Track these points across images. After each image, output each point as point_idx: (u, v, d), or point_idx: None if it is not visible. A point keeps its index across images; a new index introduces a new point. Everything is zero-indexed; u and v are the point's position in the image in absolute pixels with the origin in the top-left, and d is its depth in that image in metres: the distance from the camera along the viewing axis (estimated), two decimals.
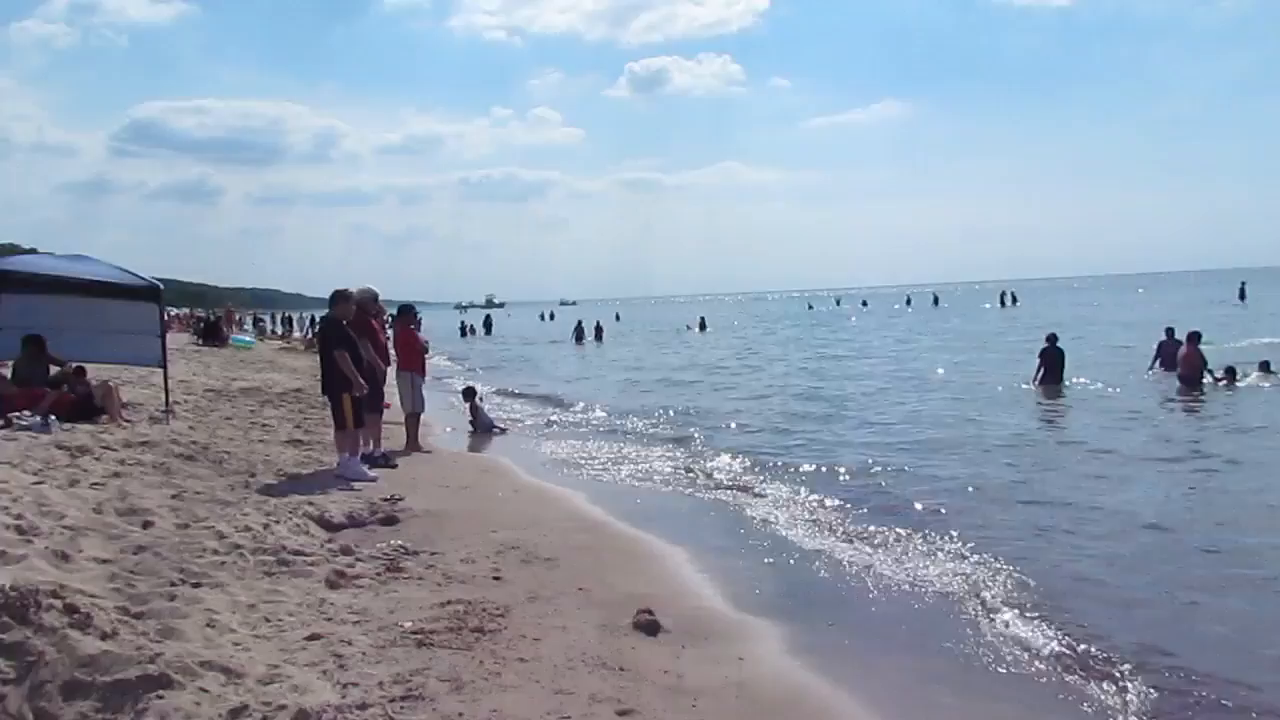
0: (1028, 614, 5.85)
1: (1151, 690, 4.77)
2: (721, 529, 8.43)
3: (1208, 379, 17.79)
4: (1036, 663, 5.16)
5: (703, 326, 56.20)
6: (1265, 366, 18.09)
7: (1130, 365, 21.44)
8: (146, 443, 9.95)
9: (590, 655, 4.93)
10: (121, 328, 12.78)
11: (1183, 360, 18.33)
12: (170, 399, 13.13)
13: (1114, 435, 12.92)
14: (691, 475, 10.86)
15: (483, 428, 14.74)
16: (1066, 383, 18.66)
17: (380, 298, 11.81)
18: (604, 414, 17.10)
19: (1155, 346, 20.29)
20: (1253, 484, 9.60)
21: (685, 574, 6.92)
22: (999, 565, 6.81)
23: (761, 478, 10.49)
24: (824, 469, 10.78)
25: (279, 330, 59.64)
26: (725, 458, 11.76)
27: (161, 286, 13.28)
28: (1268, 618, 5.86)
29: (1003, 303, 74.21)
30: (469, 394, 15.24)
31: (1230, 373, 17.86)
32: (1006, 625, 5.69)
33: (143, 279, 12.85)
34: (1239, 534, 7.66)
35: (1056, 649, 5.33)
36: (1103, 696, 4.72)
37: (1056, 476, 10.34)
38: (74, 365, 12.14)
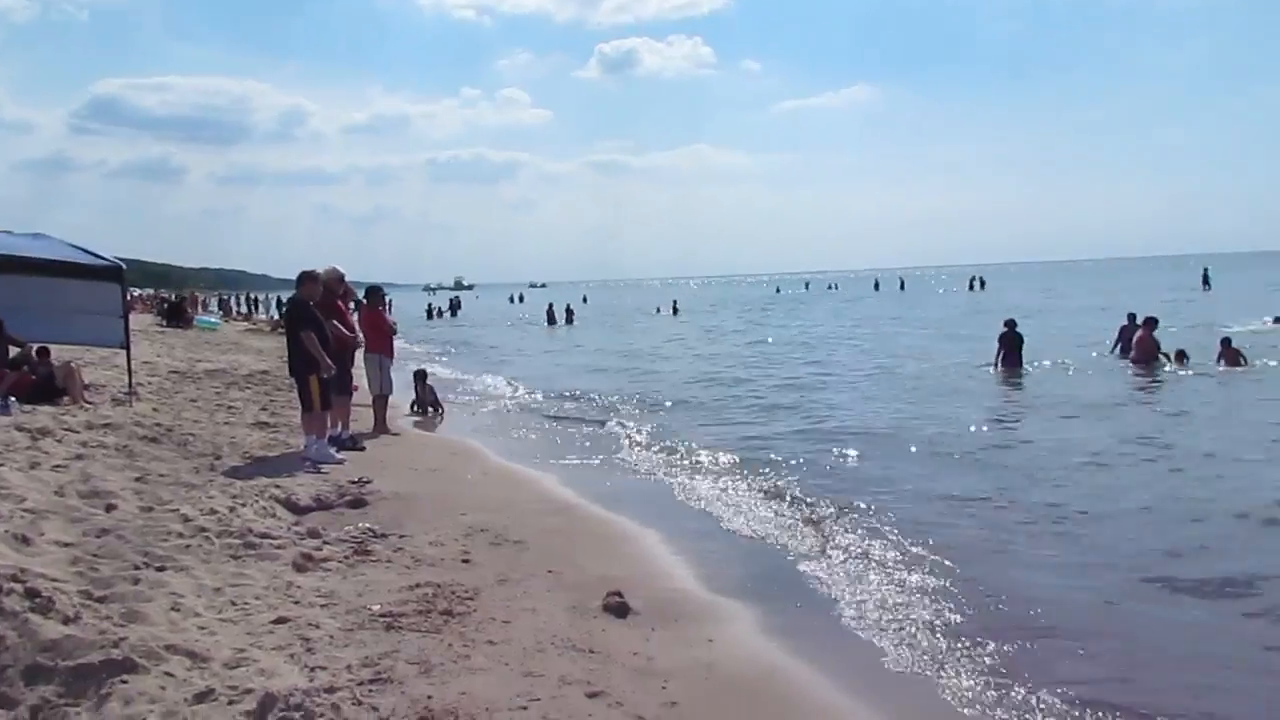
0: (984, 600, 5.91)
1: (1094, 682, 4.84)
2: (692, 512, 8.44)
3: (1162, 361, 18.29)
4: (996, 641, 5.22)
5: (675, 310, 56.33)
6: (1227, 343, 18.36)
7: (1090, 349, 21.70)
8: (109, 425, 9.83)
9: (560, 638, 4.94)
10: (83, 308, 12.59)
11: (1137, 344, 19.00)
12: (133, 380, 12.97)
13: (1066, 422, 12.93)
14: (660, 458, 10.88)
15: (426, 405, 14.76)
16: (1026, 367, 18.94)
17: (346, 278, 11.69)
18: (571, 396, 17.09)
19: (1117, 330, 20.75)
20: (1204, 472, 9.58)
21: (656, 556, 6.94)
22: (953, 549, 6.86)
23: (728, 462, 10.48)
24: (787, 454, 10.77)
25: (244, 311, 59.11)
26: (694, 442, 11.74)
27: (124, 266, 13.10)
28: (1214, 620, 5.78)
29: (971, 287, 74.90)
30: (420, 376, 15.19)
31: (1181, 355, 18.26)
32: (965, 609, 5.73)
33: (105, 259, 12.66)
34: (1197, 531, 7.49)
35: (1008, 627, 5.42)
36: (1056, 676, 4.78)
37: (1008, 462, 10.35)
38: (35, 346, 11.95)
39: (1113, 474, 9.67)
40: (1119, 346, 20.20)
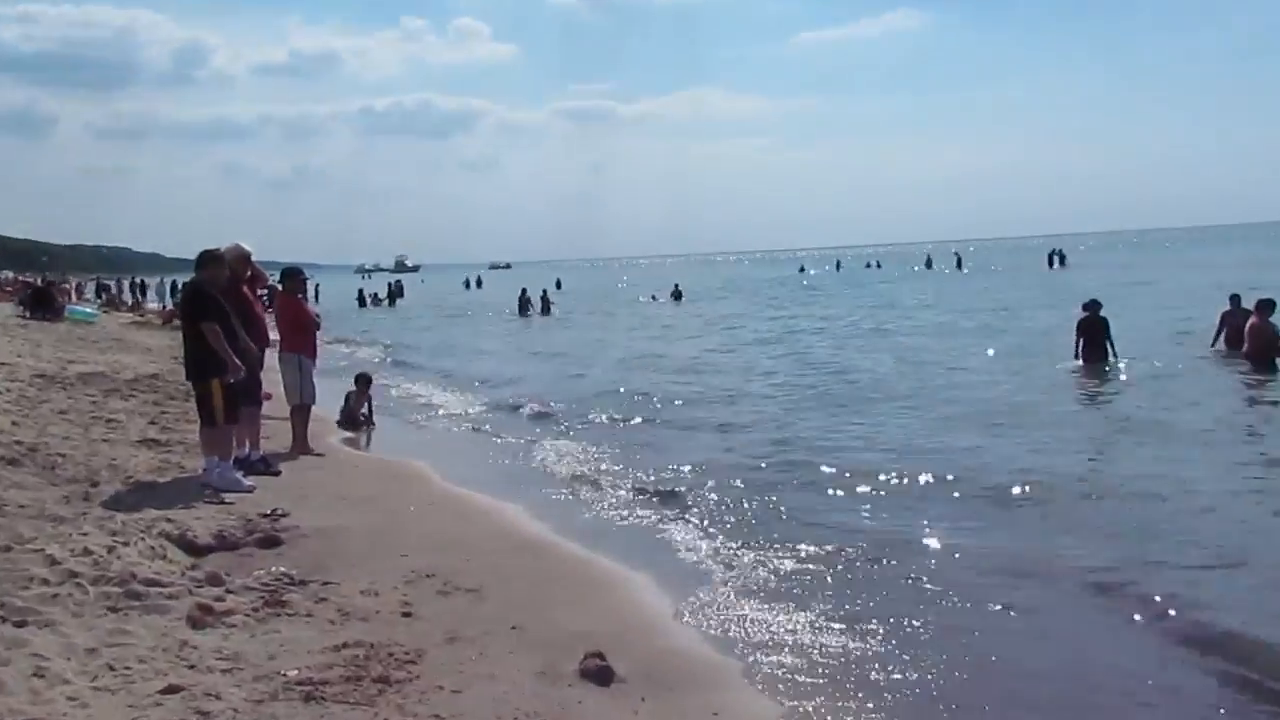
0: (1046, 681, 6.04)
1: None
2: (687, 554, 8.46)
3: None
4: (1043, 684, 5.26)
5: (677, 296, 56.45)
6: None
7: (1193, 339, 21.68)
8: None
9: (525, 710, 4.95)
10: None
11: (1250, 334, 18.30)
12: None
13: (1150, 446, 12.63)
14: (649, 486, 10.89)
15: (358, 417, 14.94)
16: (1110, 362, 18.89)
17: (254, 257, 11.62)
18: (543, 408, 17.17)
19: (1218, 317, 20.23)
20: None
21: (646, 607, 6.98)
22: (1001, 620, 6.90)
23: (731, 497, 10.34)
24: (800, 488, 10.72)
25: (130, 300, 59.10)
26: (692, 469, 11.77)
27: None
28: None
29: (1051, 264, 75.19)
30: (364, 382, 15.18)
31: None
32: (1024, 691, 5.79)
33: None
34: None
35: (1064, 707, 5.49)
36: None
37: (1075, 507, 9.91)
38: None
39: (1217, 522, 9.21)
40: (1221, 336, 19.85)
